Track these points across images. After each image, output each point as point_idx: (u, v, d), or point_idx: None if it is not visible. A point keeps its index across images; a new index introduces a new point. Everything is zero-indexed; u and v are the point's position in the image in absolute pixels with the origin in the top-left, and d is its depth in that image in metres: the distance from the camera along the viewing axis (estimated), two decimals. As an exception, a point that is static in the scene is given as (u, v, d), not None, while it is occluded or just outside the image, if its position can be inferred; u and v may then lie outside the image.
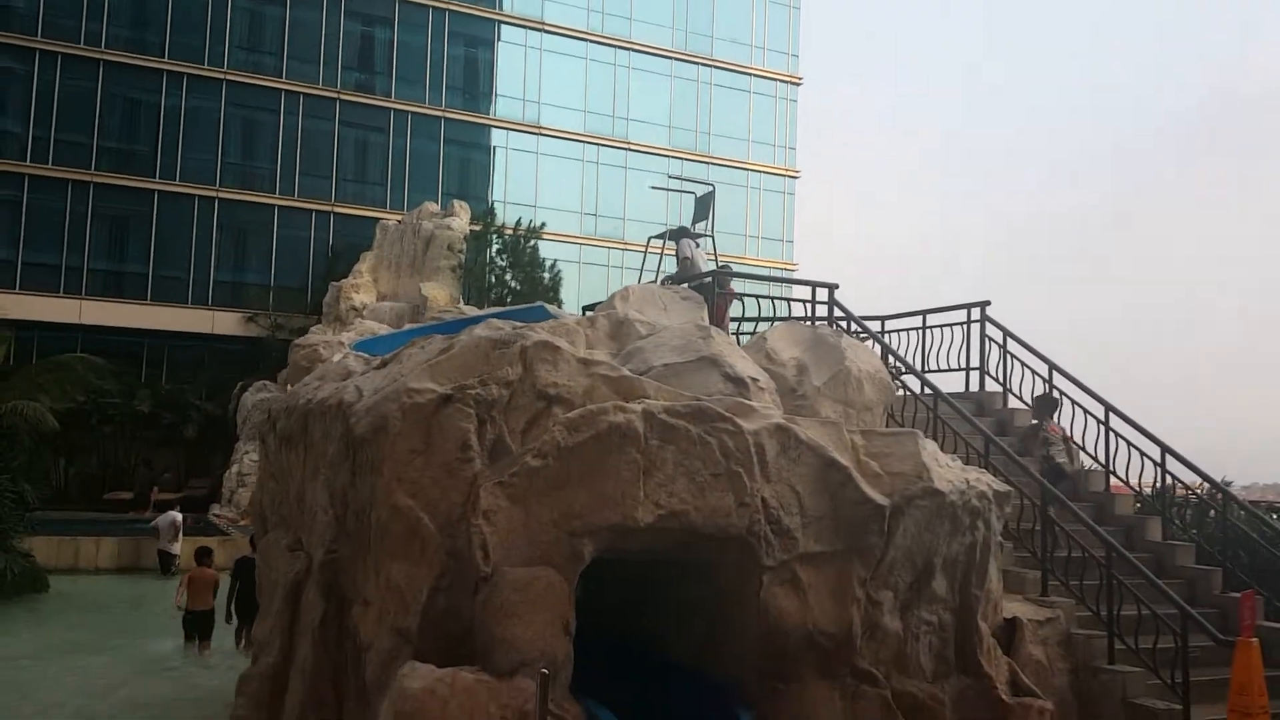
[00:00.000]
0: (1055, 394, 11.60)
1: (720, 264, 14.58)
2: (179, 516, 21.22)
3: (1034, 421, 11.38)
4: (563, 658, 6.43)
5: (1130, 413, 11.24)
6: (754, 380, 8.45)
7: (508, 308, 15.35)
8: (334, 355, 8.80)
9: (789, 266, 40.97)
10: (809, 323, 11.56)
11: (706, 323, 11.11)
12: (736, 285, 13.55)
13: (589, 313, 11.20)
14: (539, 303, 13.70)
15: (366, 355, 8.48)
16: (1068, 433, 11.32)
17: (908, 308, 13.74)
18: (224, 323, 34.37)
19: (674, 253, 13.44)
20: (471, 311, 16.73)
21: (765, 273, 33.89)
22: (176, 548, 20.36)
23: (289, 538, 8.10)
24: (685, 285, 11.97)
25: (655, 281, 13.57)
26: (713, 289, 11.67)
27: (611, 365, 7.21)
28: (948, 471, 7.82)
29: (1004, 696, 7.80)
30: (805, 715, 6.96)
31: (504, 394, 6.72)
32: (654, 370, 8.30)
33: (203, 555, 13.74)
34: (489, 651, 6.24)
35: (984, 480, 8.19)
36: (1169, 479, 10.84)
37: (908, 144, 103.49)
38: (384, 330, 11.92)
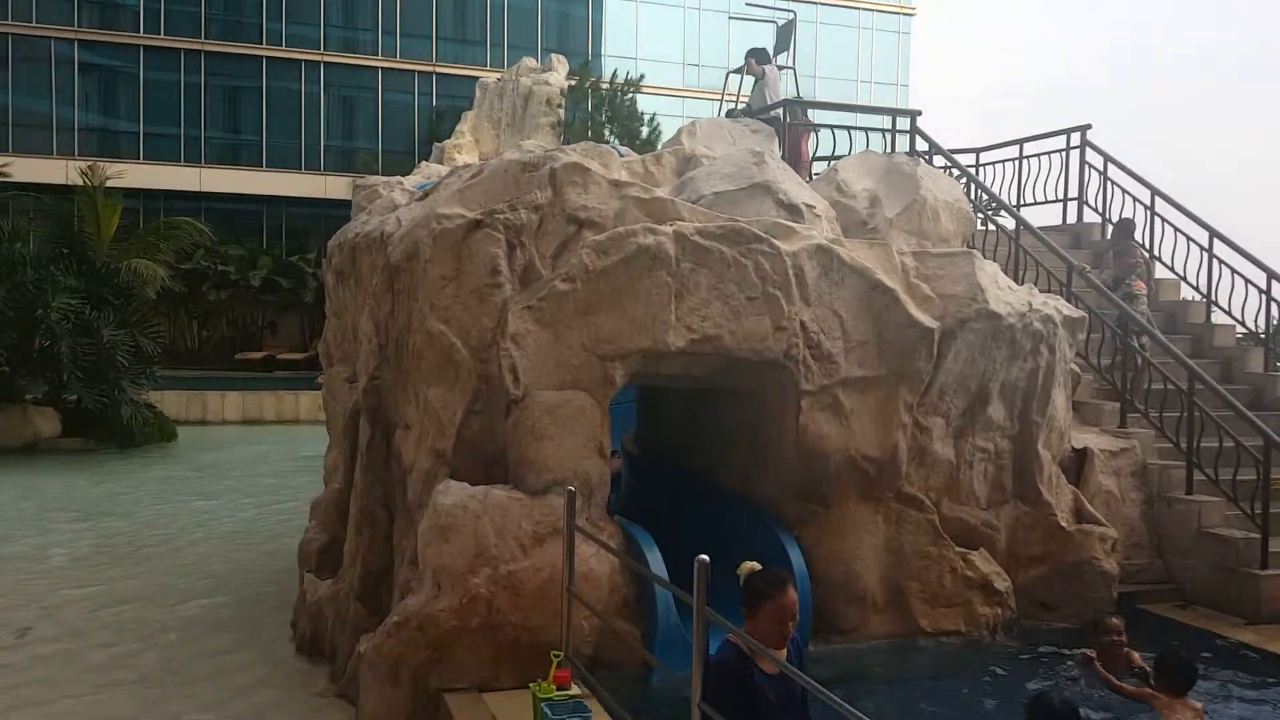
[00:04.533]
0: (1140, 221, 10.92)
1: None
2: None
3: (1117, 250, 10.66)
4: (597, 478, 6.49)
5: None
6: (809, 206, 8.13)
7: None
8: (392, 193, 8.84)
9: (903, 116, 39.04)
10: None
11: (778, 156, 10.71)
12: (819, 118, 12.87)
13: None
14: (610, 142, 13.39)
15: (414, 189, 8.49)
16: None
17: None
18: (336, 187, 35.02)
19: (754, 74, 12.49)
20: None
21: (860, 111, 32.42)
22: None
23: (348, 371, 8.34)
24: (757, 117, 11.46)
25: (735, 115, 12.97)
26: (783, 120, 11.17)
27: (643, 187, 7.01)
28: (1007, 294, 7.45)
29: (1063, 524, 7.58)
30: (846, 538, 6.91)
31: (533, 218, 6.62)
32: (705, 199, 8.06)
33: None
34: (521, 472, 6.35)
35: (1050, 304, 7.78)
36: (1275, 307, 10.11)
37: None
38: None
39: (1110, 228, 11.41)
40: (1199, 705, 5.67)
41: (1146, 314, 9.69)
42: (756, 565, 4.07)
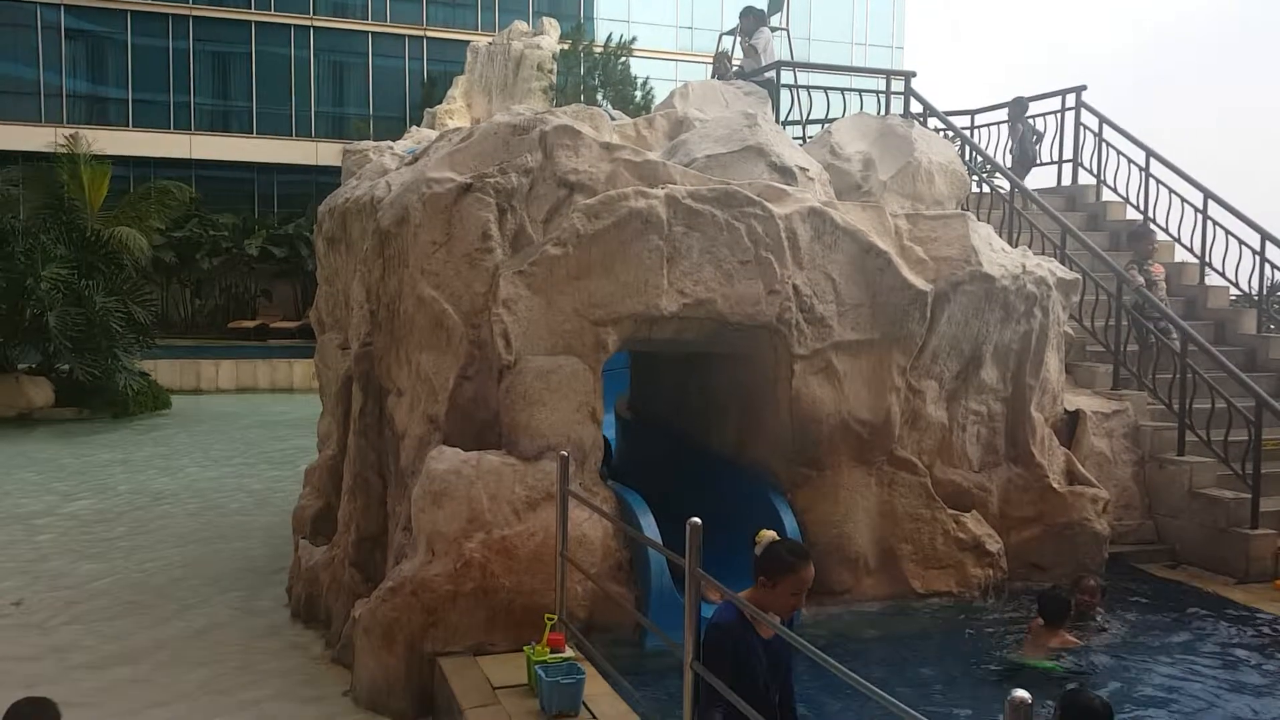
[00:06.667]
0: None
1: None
2: None
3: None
4: (590, 443, 6.49)
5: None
6: (803, 170, 8.09)
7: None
8: (381, 158, 8.75)
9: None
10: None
11: (771, 119, 10.62)
12: (813, 79, 12.72)
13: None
14: (603, 106, 13.26)
15: (404, 154, 8.41)
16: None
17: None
18: (327, 154, 34.69)
19: (746, 39, 12.28)
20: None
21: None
22: None
23: (340, 337, 8.30)
24: (750, 80, 11.36)
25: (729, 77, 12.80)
26: (776, 83, 11.08)
27: (635, 150, 6.95)
28: (1001, 256, 7.42)
29: (1055, 485, 7.60)
30: (839, 501, 6.92)
31: (524, 182, 6.57)
32: (697, 162, 8.01)
33: None
34: (514, 437, 6.34)
35: (1044, 266, 7.76)
36: (1268, 269, 10.10)
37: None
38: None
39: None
40: (1073, 639, 6.19)
41: (1164, 298, 9.43)
42: (774, 534, 4.03)
